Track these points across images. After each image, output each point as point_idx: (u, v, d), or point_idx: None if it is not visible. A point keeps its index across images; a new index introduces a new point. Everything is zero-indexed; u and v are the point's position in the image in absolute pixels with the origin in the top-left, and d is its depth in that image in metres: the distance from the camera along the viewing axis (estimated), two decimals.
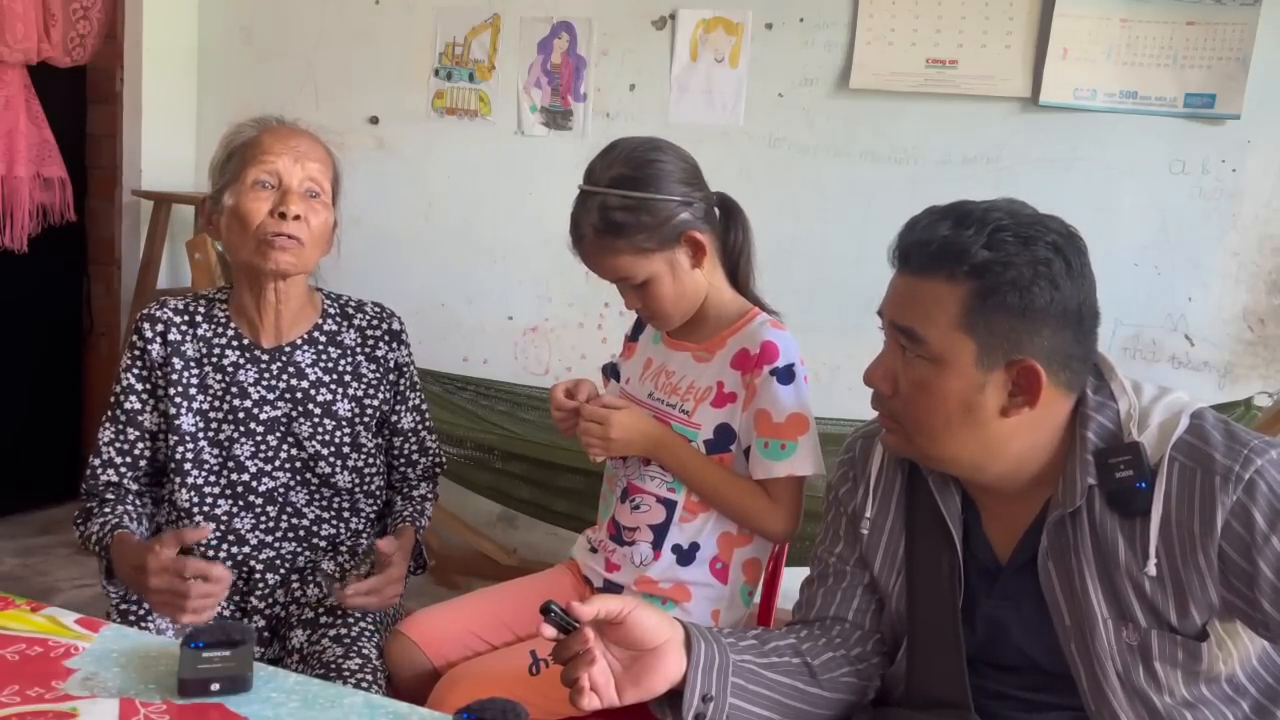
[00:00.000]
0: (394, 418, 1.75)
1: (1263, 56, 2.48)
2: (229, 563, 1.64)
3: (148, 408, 1.65)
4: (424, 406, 1.80)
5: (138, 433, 1.65)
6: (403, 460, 1.78)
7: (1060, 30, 2.61)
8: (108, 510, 1.62)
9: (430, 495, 1.82)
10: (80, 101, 3.56)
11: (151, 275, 3.42)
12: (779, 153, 2.92)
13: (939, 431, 1.15)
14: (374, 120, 3.38)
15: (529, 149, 3.21)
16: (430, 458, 1.81)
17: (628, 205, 1.52)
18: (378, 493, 1.75)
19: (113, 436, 1.65)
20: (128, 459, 1.65)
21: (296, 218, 1.57)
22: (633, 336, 1.79)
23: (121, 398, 1.65)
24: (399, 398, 1.75)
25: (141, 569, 1.42)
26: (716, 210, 1.63)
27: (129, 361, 1.65)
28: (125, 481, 1.66)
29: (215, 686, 1.11)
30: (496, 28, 3.20)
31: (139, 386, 1.65)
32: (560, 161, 3.11)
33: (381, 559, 1.57)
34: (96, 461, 1.65)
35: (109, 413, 1.66)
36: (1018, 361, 1.10)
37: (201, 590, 1.39)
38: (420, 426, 1.79)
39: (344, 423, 1.68)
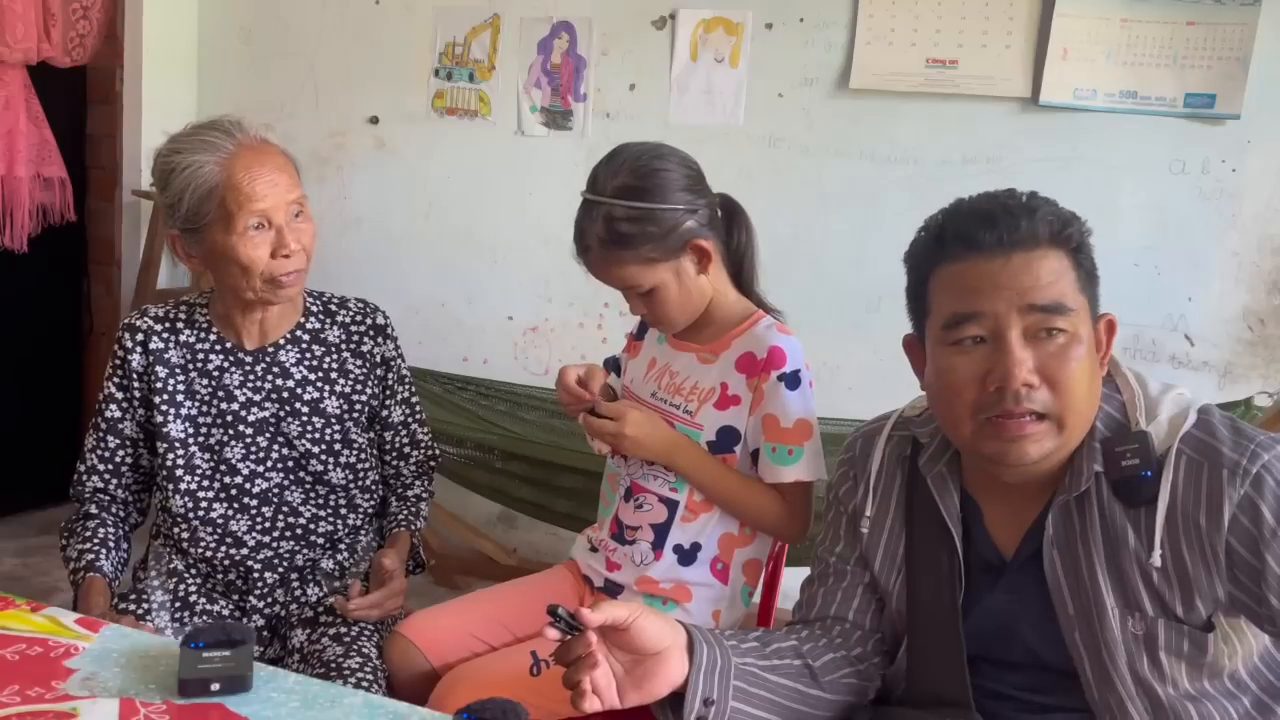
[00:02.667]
0: (384, 412, 1.76)
1: (1263, 56, 2.48)
2: (227, 563, 1.65)
3: (128, 416, 1.68)
4: (414, 400, 1.80)
5: (118, 440, 1.68)
6: (394, 454, 1.78)
7: (1060, 30, 2.61)
8: (88, 534, 1.65)
9: (425, 494, 1.82)
10: (80, 101, 3.55)
11: (151, 275, 3.41)
12: (779, 153, 2.92)
13: (1086, 409, 1.13)
14: (374, 120, 3.38)
15: (529, 149, 3.20)
16: (423, 451, 1.81)
17: (633, 216, 1.51)
18: (373, 488, 1.75)
19: (94, 443, 1.69)
20: (109, 465, 1.69)
21: (298, 251, 1.59)
22: (638, 335, 1.78)
23: (103, 406, 1.68)
24: (388, 392, 1.75)
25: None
26: (719, 212, 1.63)
27: (110, 370, 1.68)
28: (110, 487, 1.70)
29: (215, 686, 1.12)
30: (496, 28, 3.20)
31: (119, 395, 1.67)
32: (560, 161, 3.11)
33: (383, 575, 1.57)
34: (82, 467, 1.70)
35: (93, 420, 1.69)
36: (1103, 316, 1.17)
37: None
38: (410, 419, 1.79)
39: (333, 420, 1.68)
